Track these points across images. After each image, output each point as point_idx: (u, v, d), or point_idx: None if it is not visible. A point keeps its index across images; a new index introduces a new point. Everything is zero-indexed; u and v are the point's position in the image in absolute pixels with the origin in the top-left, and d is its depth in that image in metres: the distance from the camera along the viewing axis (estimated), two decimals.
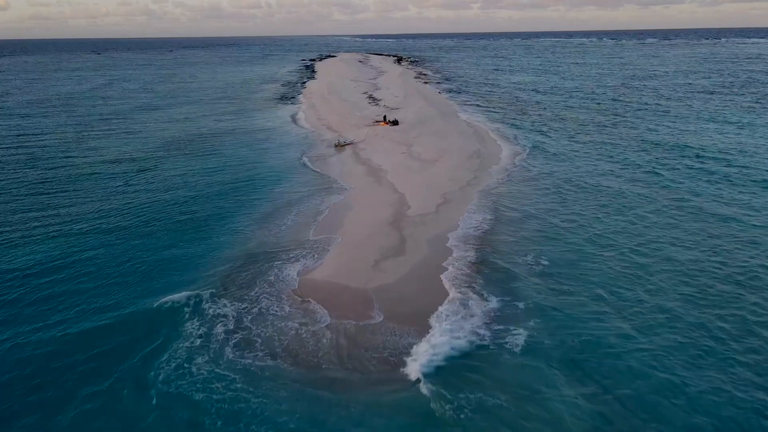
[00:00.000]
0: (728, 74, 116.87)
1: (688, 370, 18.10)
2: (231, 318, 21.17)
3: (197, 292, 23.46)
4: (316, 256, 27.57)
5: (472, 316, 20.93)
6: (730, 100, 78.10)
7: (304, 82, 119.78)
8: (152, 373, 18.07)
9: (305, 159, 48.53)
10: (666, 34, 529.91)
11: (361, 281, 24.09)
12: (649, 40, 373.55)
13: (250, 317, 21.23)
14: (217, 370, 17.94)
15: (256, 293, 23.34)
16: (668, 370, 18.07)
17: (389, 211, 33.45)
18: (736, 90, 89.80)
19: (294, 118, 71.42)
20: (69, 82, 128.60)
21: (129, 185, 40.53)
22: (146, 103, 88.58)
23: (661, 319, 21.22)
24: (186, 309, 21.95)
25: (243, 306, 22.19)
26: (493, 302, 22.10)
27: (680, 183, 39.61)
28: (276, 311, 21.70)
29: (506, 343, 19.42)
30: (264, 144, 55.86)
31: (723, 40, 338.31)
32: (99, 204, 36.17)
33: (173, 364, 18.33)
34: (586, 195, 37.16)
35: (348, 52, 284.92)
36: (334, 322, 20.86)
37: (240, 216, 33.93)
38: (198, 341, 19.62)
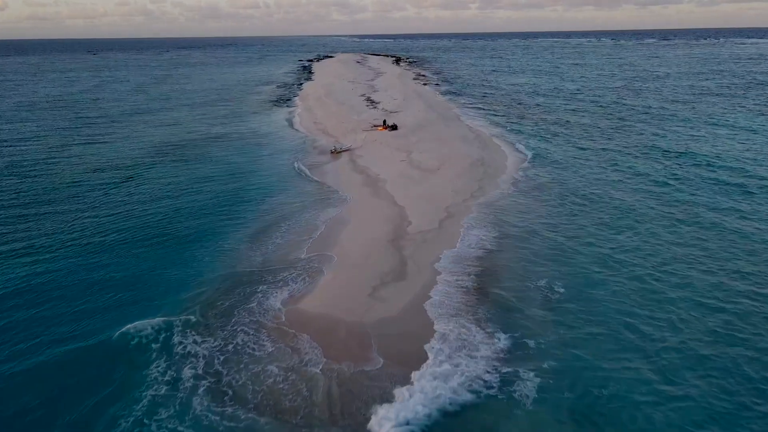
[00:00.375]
0: (732, 75, 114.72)
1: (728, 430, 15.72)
2: (201, 358, 18.55)
3: (168, 321, 21.07)
4: (307, 279, 25.12)
5: (475, 357, 18.42)
6: (737, 103, 75.83)
7: (301, 84, 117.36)
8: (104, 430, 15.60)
9: (299, 167, 46.14)
10: (664, 34, 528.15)
11: (358, 313, 21.45)
12: (648, 40, 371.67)
13: (222, 357, 18.60)
14: (180, 429, 15.44)
15: (233, 326, 20.75)
16: (706, 430, 15.68)
17: (388, 227, 31.00)
18: (742, 92, 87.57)
19: (289, 122, 69.01)
20: (60, 83, 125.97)
21: (108, 196, 38.05)
22: (137, 106, 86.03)
23: (690, 362, 18.80)
24: (154, 345, 19.48)
25: (216, 343, 19.55)
26: (500, 340, 19.64)
27: (694, 195, 37.25)
28: (254, 350, 19.09)
29: (515, 392, 16.97)
30: (257, 150, 53.46)
31: (722, 40, 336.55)
32: (73, 218, 33.68)
33: (131, 419, 15.86)
34: (595, 208, 34.75)
35: (346, 52, 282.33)
36: (324, 367, 18.17)
37: (226, 231, 31.52)
38: (163, 389, 17.10)
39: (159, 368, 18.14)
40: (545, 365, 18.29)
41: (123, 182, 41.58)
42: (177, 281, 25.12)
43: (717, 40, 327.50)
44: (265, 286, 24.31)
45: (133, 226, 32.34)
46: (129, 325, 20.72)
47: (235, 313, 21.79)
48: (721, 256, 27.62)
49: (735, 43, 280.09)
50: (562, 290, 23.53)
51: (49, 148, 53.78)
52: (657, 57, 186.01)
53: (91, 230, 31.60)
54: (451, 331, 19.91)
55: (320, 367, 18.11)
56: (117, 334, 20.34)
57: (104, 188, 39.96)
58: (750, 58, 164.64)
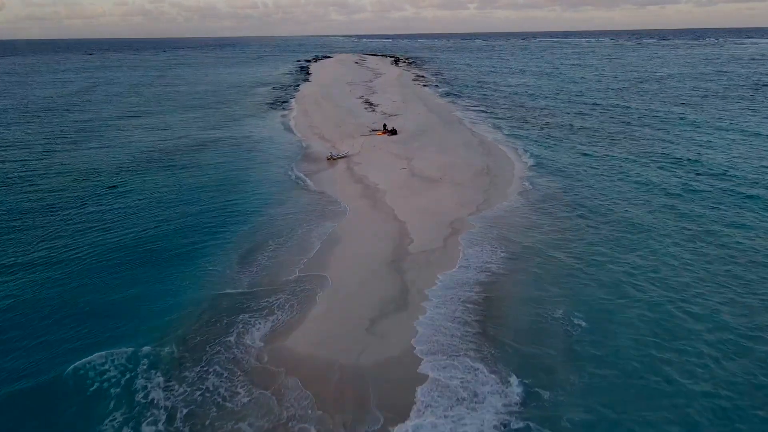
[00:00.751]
0: (737, 76, 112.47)
1: None
2: (163, 410, 16.03)
3: (134, 355, 18.80)
4: (296, 307, 22.69)
5: (481, 411, 15.94)
6: (746, 106, 73.52)
7: (298, 85, 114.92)
8: None
9: (293, 176, 43.75)
10: (663, 35, 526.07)
11: (353, 354, 18.85)
12: (647, 40, 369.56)
13: (186, 410, 16.04)
14: None
15: (204, 366, 18.21)
16: None
17: (387, 246, 28.53)
18: (750, 94, 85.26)
19: (285, 126, 66.64)
20: (52, 84, 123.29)
21: (85, 207, 35.50)
22: (128, 108, 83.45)
23: (731, 417, 16.38)
24: (113, 391, 16.99)
25: (182, 389, 17.00)
26: (512, 387, 17.15)
27: (713, 208, 34.77)
28: (225, 399, 16.47)
29: None
30: (249, 156, 51.08)
31: (721, 40, 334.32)
32: (43, 232, 31.10)
33: None
34: (608, 222, 32.31)
35: (344, 52, 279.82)
36: (312, 426, 15.56)
37: (212, 247, 29.12)
38: None
39: (115, 422, 15.72)
40: (564, 421, 15.85)
41: (104, 192, 39.04)
42: (151, 308, 22.65)
43: (716, 40, 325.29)
44: (248, 315, 21.90)
45: (109, 242, 29.85)
46: (87, 367, 18.31)
47: (207, 348, 19.30)
48: (749, 278, 25.27)
49: (735, 43, 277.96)
50: (581, 323, 21.06)
51: (32, 154, 51.27)
52: (658, 57, 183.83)
53: (60, 247, 29.02)
54: (453, 377, 17.47)
55: (302, 427, 15.40)
56: (71, 373, 17.96)
57: (82, 198, 37.45)
58: (753, 59, 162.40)
